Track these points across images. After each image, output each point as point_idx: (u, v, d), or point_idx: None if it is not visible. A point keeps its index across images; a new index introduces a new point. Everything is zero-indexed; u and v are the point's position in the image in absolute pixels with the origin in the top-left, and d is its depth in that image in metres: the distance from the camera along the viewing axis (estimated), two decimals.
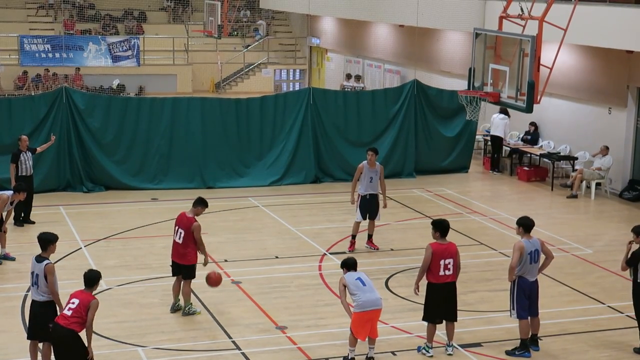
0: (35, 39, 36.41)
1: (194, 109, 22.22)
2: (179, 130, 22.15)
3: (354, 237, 17.18)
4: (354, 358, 12.06)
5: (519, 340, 12.54)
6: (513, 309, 12.50)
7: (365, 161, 16.93)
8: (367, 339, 12.09)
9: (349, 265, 12.25)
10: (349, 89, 33.80)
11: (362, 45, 36.01)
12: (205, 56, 39.52)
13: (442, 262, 12.19)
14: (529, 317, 12.57)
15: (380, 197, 17.17)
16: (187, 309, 13.66)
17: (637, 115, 22.35)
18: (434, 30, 29.74)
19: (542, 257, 12.58)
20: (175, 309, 13.78)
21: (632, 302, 12.66)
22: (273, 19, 43.58)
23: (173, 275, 13.81)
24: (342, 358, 12.17)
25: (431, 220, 12.91)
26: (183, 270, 13.56)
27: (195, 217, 13.51)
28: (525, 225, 12.58)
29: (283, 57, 41.59)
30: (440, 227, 12.43)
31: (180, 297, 13.76)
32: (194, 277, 13.64)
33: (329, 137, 23.32)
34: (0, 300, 14.24)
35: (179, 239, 13.45)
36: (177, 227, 13.53)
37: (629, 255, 12.68)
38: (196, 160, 22.24)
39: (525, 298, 12.43)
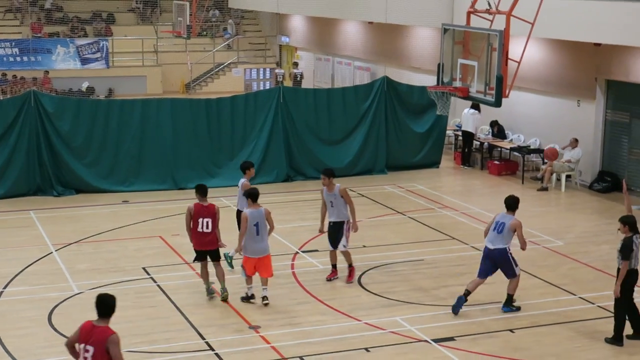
0: (3, 43, 36.12)
1: (164, 110, 22.10)
2: (149, 131, 22.01)
3: (333, 266, 15.42)
4: (253, 294, 13.97)
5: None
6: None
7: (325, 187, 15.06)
8: (262, 280, 13.83)
9: (251, 195, 13.67)
10: (280, 76, 34.28)
11: (331, 43, 36.03)
12: (175, 57, 39.39)
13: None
14: None
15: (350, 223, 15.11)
16: (221, 290, 14.24)
17: (605, 107, 22.52)
18: (403, 26, 29.81)
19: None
20: (210, 292, 14.36)
21: (603, 293, 12.70)
22: (242, 18, 43.50)
23: (198, 261, 14.35)
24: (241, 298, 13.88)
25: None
26: (211, 254, 14.18)
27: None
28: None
29: (253, 57, 41.54)
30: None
31: (212, 281, 14.45)
32: (220, 257, 14.37)
33: (300, 135, 23.30)
34: None
35: (207, 228, 13.92)
36: (201, 219, 13.89)
37: (619, 248, 12.46)
38: (167, 161, 22.13)
39: None
